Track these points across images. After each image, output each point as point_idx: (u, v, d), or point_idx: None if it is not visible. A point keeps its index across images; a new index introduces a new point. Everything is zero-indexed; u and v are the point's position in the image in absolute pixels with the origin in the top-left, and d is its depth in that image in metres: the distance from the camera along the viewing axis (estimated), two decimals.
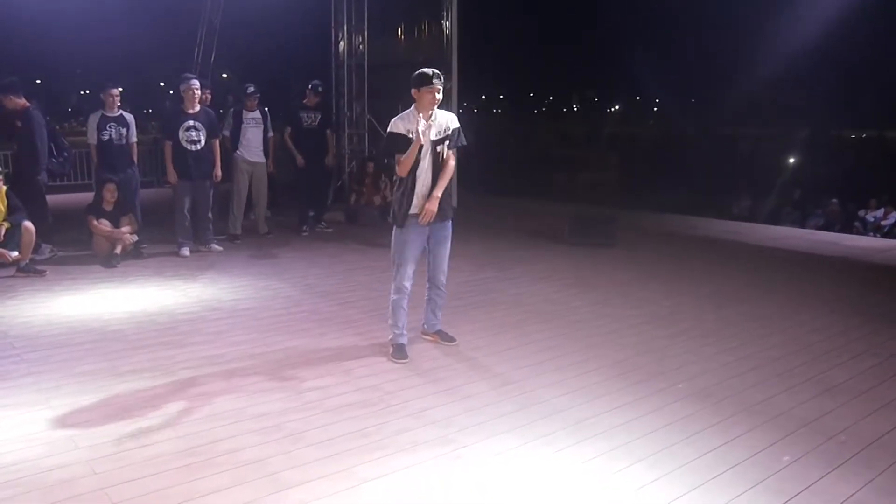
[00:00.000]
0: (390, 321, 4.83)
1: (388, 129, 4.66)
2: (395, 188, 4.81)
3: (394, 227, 4.77)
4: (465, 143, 4.78)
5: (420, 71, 4.56)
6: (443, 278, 4.95)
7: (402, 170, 4.61)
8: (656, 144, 33.74)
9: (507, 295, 6.40)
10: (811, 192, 15.91)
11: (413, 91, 4.58)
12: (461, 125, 4.78)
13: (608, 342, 5.11)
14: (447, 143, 4.69)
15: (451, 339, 5.06)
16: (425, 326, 5.13)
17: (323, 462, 3.32)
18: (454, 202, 11.68)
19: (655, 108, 57.13)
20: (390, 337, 4.84)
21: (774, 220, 13.68)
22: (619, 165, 27.98)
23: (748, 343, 5.11)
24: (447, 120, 4.71)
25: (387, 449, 3.46)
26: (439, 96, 4.56)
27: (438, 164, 4.67)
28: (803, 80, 36.48)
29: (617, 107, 63.64)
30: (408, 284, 4.76)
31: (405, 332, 4.84)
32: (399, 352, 4.75)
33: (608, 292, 6.48)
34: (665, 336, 5.27)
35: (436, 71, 4.55)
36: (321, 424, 3.72)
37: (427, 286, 5.01)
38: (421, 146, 4.52)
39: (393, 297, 4.80)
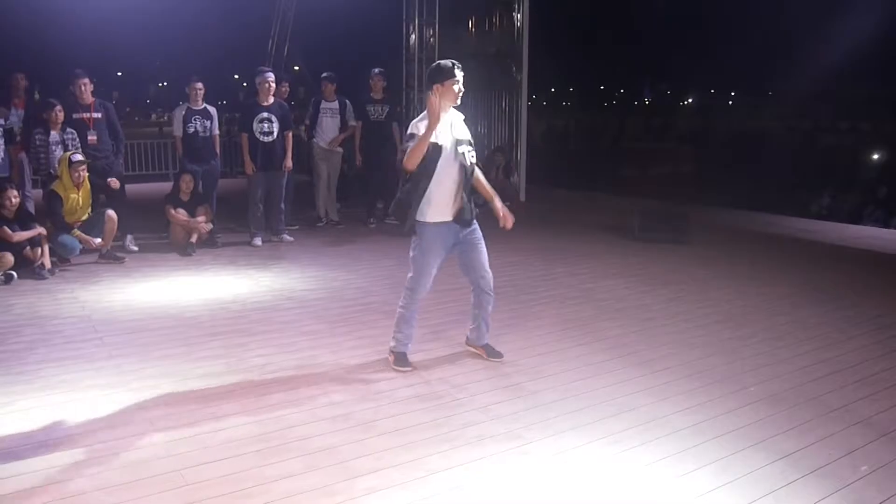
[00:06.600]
0: (395, 328, 4.47)
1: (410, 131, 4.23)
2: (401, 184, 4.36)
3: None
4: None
5: (439, 64, 4.26)
6: (487, 281, 4.48)
7: (410, 162, 4.13)
8: (732, 138, 32.88)
9: (577, 290, 6.35)
10: None
11: (436, 87, 4.17)
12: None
13: (678, 341, 5.02)
14: (471, 148, 4.30)
15: (499, 355, 4.58)
16: (470, 337, 4.67)
17: (393, 452, 3.37)
18: (522, 196, 11.69)
19: (731, 102, 55.69)
20: (392, 344, 4.47)
21: (856, 218, 13.19)
22: (693, 160, 27.42)
23: (824, 347, 4.95)
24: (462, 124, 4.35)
25: (454, 441, 3.49)
26: (459, 88, 4.20)
27: (466, 170, 4.26)
28: (889, 71, 34.96)
29: (690, 100, 62.21)
30: (422, 295, 4.43)
31: (409, 342, 4.48)
32: (401, 360, 4.42)
33: (679, 290, 6.37)
34: (737, 337, 5.15)
35: (455, 62, 4.22)
36: (391, 415, 3.77)
37: (473, 292, 4.57)
38: (439, 146, 4.14)
39: (402, 304, 4.43)
